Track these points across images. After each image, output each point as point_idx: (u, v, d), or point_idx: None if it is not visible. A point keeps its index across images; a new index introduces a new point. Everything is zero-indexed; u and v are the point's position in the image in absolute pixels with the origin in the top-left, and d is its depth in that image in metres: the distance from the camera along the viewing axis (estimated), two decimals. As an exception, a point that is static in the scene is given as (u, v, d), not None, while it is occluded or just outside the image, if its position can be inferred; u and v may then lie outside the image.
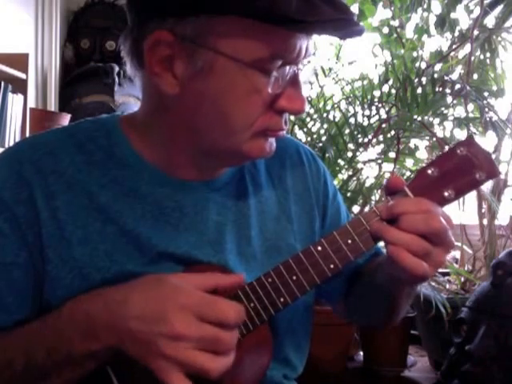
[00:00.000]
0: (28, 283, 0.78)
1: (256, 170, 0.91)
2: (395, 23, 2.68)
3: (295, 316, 0.88)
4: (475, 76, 2.55)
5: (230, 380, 0.75)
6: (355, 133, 2.30)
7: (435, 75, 2.38)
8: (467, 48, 2.49)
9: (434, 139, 2.33)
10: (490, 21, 2.53)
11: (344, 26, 0.74)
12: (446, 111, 2.35)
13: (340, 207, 1.00)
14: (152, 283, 0.71)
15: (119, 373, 0.74)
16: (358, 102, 2.34)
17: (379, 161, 2.42)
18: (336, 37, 0.79)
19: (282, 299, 0.76)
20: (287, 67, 0.75)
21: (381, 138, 2.35)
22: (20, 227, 0.77)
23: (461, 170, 0.79)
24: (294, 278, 0.76)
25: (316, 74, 2.40)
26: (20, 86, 2.76)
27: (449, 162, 0.79)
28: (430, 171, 0.79)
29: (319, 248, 0.77)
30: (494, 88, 2.53)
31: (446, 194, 0.79)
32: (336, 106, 2.44)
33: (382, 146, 2.38)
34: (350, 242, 0.77)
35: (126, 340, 0.68)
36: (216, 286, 0.72)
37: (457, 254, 2.63)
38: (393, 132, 2.31)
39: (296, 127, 2.41)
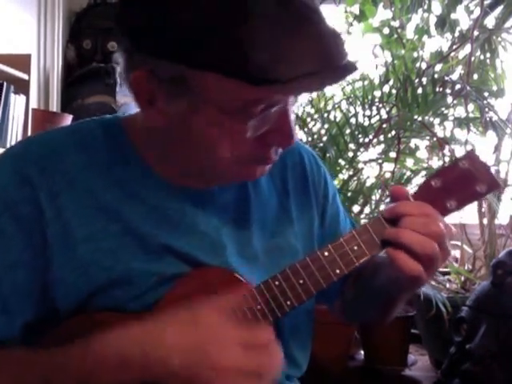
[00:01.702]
0: (32, 283, 0.78)
1: None
2: (396, 24, 2.69)
3: (300, 315, 0.89)
4: (475, 76, 2.56)
5: None
6: (356, 133, 2.31)
7: (435, 75, 2.38)
8: (467, 48, 2.49)
9: (435, 139, 2.33)
10: (490, 21, 2.53)
11: (332, 75, 0.71)
12: (446, 111, 2.36)
13: (339, 209, 1.01)
14: (185, 318, 0.70)
15: None
16: (358, 102, 2.35)
17: (380, 161, 2.43)
18: (318, 90, 0.76)
19: (288, 302, 0.78)
20: (271, 108, 0.73)
21: (381, 138, 2.35)
22: (24, 226, 0.77)
23: (462, 182, 0.83)
24: (301, 281, 0.78)
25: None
26: (22, 87, 2.77)
27: (451, 174, 0.84)
28: (433, 182, 0.83)
29: (326, 253, 0.79)
30: (494, 88, 2.53)
31: (448, 204, 0.83)
32: (337, 106, 2.44)
33: (382, 145, 2.39)
34: (356, 248, 0.80)
35: (166, 378, 0.68)
36: (235, 305, 0.74)
37: (457, 253, 2.63)
38: (393, 132, 2.32)
39: (297, 127, 2.41)
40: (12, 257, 0.77)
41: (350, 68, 0.72)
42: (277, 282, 0.78)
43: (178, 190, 0.84)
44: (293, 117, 0.77)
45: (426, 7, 2.58)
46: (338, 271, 0.79)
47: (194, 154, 0.78)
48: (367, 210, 2.33)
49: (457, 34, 2.55)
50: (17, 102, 2.74)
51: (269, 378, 0.70)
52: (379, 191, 2.36)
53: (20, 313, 0.78)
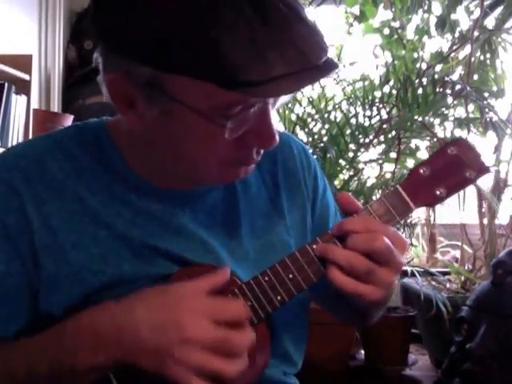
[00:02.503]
0: (22, 293, 0.78)
1: None
2: (396, 24, 2.69)
3: (292, 310, 0.87)
4: (475, 77, 2.56)
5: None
6: (356, 133, 2.31)
7: (436, 76, 2.39)
8: (467, 49, 2.50)
9: (435, 139, 2.34)
10: (490, 22, 2.54)
11: (303, 77, 0.67)
12: (446, 112, 2.36)
13: (329, 203, 0.99)
14: (155, 293, 0.72)
15: (121, 379, 0.74)
16: (359, 103, 2.35)
17: (380, 161, 2.43)
18: (295, 90, 0.72)
19: (278, 297, 0.77)
20: (249, 110, 0.71)
21: (382, 138, 2.36)
22: (11, 237, 0.77)
23: (451, 168, 0.81)
24: (291, 276, 0.77)
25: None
26: (23, 87, 2.77)
27: (440, 161, 0.82)
28: (421, 170, 0.81)
29: (315, 246, 0.78)
30: (494, 88, 2.53)
31: (437, 192, 0.81)
32: (337, 106, 2.45)
33: (383, 146, 2.39)
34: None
35: (137, 352, 0.69)
36: (213, 287, 0.73)
37: (457, 253, 2.64)
38: (394, 132, 2.32)
39: (297, 127, 2.42)
40: (0, 267, 0.77)
41: (328, 67, 0.69)
42: (266, 278, 0.77)
43: (164, 192, 0.83)
44: (273, 115, 0.74)
45: (426, 8, 2.58)
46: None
47: (175, 158, 0.78)
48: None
49: (457, 34, 2.55)
50: (18, 103, 2.74)
51: (237, 355, 0.69)
52: (380, 191, 2.37)
53: (12, 320, 0.78)
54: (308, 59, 0.67)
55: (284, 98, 0.77)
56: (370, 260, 0.75)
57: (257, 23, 0.65)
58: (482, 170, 0.82)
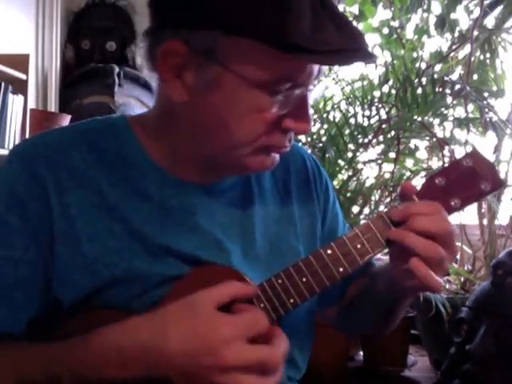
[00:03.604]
0: (36, 279, 0.78)
1: (262, 174, 0.92)
2: (395, 24, 2.69)
3: (299, 316, 0.88)
4: (475, 76, 2.56)
5: None
6: (355, 133, 2.30)
7: (435, 76, 2.38)
8: (467, 48, 2.50)
9: (434, 139, 2.33)
10: (489, 21, 2.53)
11: (355, 56, 0.74)
12: (446, 111, 2.36)
13: (338, 215, 1.02)
14: (185, 313, 0.70)
15: None
16: (358, 103, 2.35)
17: (379, 161, 2.43)
18: (346, 65, 0.79)
19: (291, 300, 0.78)
20: (296, 89, 0.75)
21: (381, 138, 2.35)
22: (31, 223, 0.78)
23: (466, 180, 0.82)
24: (304, 279, 0.78)
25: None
26: (20, 87, 2.76)
27: (455, 172, 0.83)
28: (437, 180, 0.82)
29: (329, 251, 0.79)
30: (494, 88, 2.53)
31: (452, 203, 0.82)
32: (336, 106, 2.44)
33: (382, 146, 2.39)
34: (359, 246, 0.79)
35: (170, 373, 0.69)
36: (235, 297, 0.73)
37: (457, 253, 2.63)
38: (393, 132, 2.32)
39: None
40: (17, 253, 0.78)
41: (371, 54, 0.75)
42: (280, 281, 0.78)
43: (183, 188, 0.84)
44: (310, 104, 0.79)
45: (425, 7, 2.58)
46: (341, 269, 0.79)
47: (208, 138, 0.79)
48: (366, 210, 2.33)
49: (456, 34, 2.55)
50: (15, 102, 2.73)
51: (274, 371, 0.70)
52: (379, 192, 2.36)
53: (25, 308, 0.78)
54: (358, 43, 0.73)
55: (316, 94, 0.81)
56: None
57: (318, 6, 0.71)
58: (497, 182, 0.83)
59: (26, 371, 0.74)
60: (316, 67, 0.76)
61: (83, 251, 0.78)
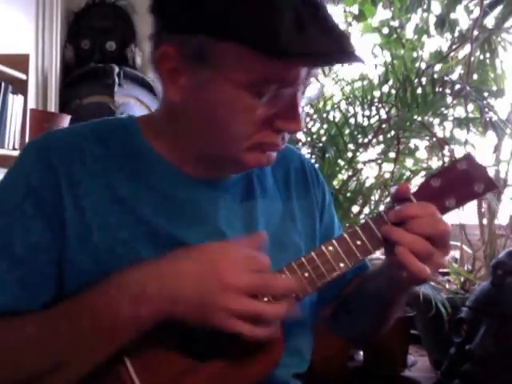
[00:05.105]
0: (52, 265, 0.82)
1: (263, 173, 0.96)
2: (395, 24, 2.69)
3: (303, 309, 0.90)
4: (475, 76, 2.55)
5: (238, 371, 0.80)
6: (355, 133, 2.30)
7: (435, 75, 2.38)
8: (467, 48, 2.49)
9: (434, 139, 2.33)
10: (489, 21, 2.53)
11: (340, 57, 0.77)
12: (445, 111, 2.35)
13: (334, 217, 1.06)
14: (200, 249, 0.78)
15: (136, 362, 0.78)
16: (357, 103, 2.34)
17: (379, 161, 2.42)
18: (332, 66, 0.83)
19: (293, 294, 0.81)
20: (284, 89, 0.78)
21: (381, 138, 2.35)
22: (46, 210, 0.82)
23: (461, 182, 0.87)
24: (306, 274, 0.82)
25: (316, 75, 2.40)
26: (20, 87, 2.77)
27: (450, 174, 0.88)
28: (432, 182, 0.87)
29: (330, 248, 0.83)
30: (494, 88, 2.53)
31: (447, 202, 0.87)
32: (336, 106, 2.44)
33: (381, 146, 2.38)
34: (359, 243, 0.84)
35: (180, 303, 0.74)
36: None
37: (456, 253, 2.63)
38: (393, 132, 2.31)
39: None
40: (33, 238, 0.82)
41: (358, 57, 0.78)
42: (283, 276, 0.81)
43: (189, 183, 0.88)
44: (301, 104, 0.81)
45: (425, 7, 2.58)
46: (342, 265, 0.82)
47: (207, 135, 0.83)
48: (366, 210, 2.32)
49: (456, 33, 2.55)
50: (15, 102, 2.74)
51: (279, 306, 0.75)
52: (378, 191, 2.36)
53: (41, 291, 0.82)
54: (343, 45, 0.76)
55: (310, 94, 0.83)
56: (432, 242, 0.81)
57: (302, 9, 0.74)
58: (490, 185, 0.88)
59: (54, 321, 0.78)
60: (304, 71, 0.78)
61: (93, 240, 0.82)
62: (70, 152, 0.86)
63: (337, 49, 0.75)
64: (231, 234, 0.88)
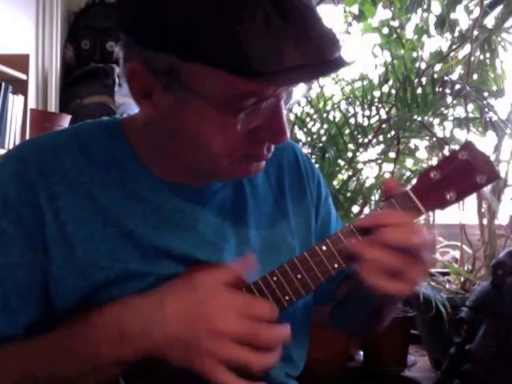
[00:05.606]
0: (34, 284, 0.79)
1: None
2: (395, 24, 2.68)
3: (295, 313, 0.89)
4: (475, 76, 2.55)
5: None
6: (355, 133, 2.30)
7: (435, 75, 2.38)
8: (467, 48, 2.49)
9: (434, 139, 2.33)
10: (489, 21, 2.52)
11: (321, 70, 0.71)
12: (445, 111, 2.35)
13: (330, 209, 1.02)
14: (184, 286, 0.72)
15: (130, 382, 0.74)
16: (358, 103, 2.34)
17: (379, 161, 2.42)
18: (307, 82, 0.76)
19: (286, 297, 0.78)
20: (263, 102, 0.73)
21: (381, 138, 2.35)
22: (25, 228, 0.78)
23: (462, 173, 0.81)
24: (299, 276, 0.78)
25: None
26: (20, 87, 2.77)
27: (450, 165, 0.82)
28: (432, 174, 0.81)
29: (324, 247, 0.79)
30: (494, 88, 2.52)
31: (448, 196, 0.81)
32: (336, 106, 2.44)
33: (382, 146, 2.38)
34: (354, 242, 0.78)
35: (164, 345, 0.69)
36: (233, 280, 0.74)
37: (456, 253, 2.63)
38: (393, 132, 2.31)
39: (296, 127, 2.41)
40: (12, 259, 0.78)
41: (340, 63, 0.71)
42: (275, 278, 0.78)
43: (175, 188, 0.84)
44: (285, 113, 0.76)
45: (425, 7, 2.57)
46: (336, 265, 0.79)
47: (188, 151, 0.79)
48: (366, 210, 2.32)
49: (456, 33, 2.54)
50: (15, 103, 2.74)
51: (266, 349, 0.70)
52: (378, 191, 2.36)
53: (22, 312, 0.79)
54: (322, 54, 0.69)
55: (296, 96, 0.78)
56: (403, 256, 0.74)
57: (275, 18, 0.67)
58: (492, 175, 0.82)
59: (32, 365, 0.74)
60: None
61: (76, 255, 0.78)
62: (49, 162, 0.80)
63: (317, 59, 0.69)
64: (219, 242, 0.85)
